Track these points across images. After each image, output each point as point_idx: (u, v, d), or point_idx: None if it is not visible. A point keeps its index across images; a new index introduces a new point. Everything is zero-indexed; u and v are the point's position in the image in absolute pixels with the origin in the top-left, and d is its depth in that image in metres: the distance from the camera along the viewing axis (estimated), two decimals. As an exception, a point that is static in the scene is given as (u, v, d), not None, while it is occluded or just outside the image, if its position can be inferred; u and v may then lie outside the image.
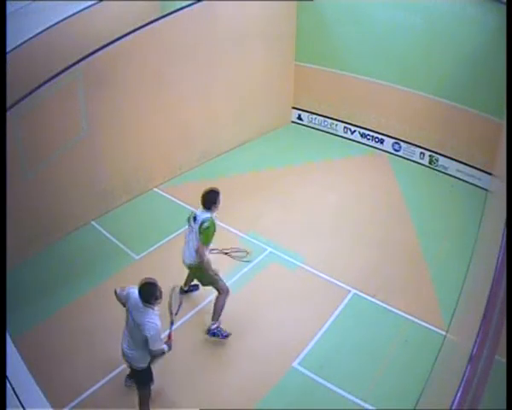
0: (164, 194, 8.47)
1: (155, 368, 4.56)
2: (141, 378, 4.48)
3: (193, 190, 8.57)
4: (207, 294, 5.94)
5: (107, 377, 5.02)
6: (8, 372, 2.55)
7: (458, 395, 2.30)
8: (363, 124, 10.21)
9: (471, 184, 8.76)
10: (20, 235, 6.34)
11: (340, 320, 5.81)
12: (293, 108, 11.18)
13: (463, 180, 8.89)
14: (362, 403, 4.81)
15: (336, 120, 10.57)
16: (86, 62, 6.72)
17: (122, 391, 4.91)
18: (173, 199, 8.27)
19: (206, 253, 5.19)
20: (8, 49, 5.51)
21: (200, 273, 5.39)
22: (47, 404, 2.77)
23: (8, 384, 2.50)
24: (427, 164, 9.44)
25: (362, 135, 10.29)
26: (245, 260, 5.82)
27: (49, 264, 6.70)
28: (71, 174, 7.13)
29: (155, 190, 8.56)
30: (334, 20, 9.80)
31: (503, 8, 6.74)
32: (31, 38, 6.25)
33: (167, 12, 7.77)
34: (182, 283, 5.84)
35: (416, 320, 5.81)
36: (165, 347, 4.32)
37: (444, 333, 5.55)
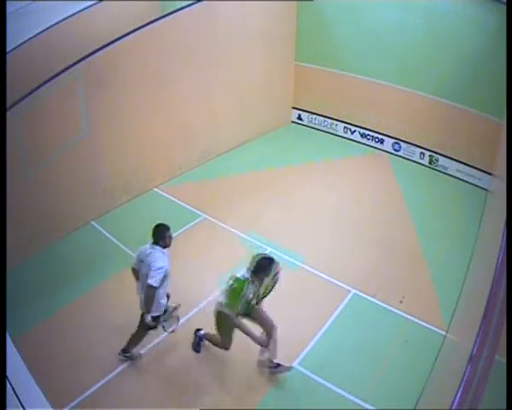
0: (164, 194, 8.47)
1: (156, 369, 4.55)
2: (145, 323, 4.74)
3: (193, 190, 8.64)
4: (207, 294, 5.96)
5: (107, 377, 5.01)
6: (8, 372, 2.54)
7: (458, 395, 2.30)
8: (363, 124, 10.21)
9: (471, 184, 8.76)
10: (20, 235, 6.34)
11: (340, 320, 5.81)
12: (293, 108, 11.19)
13: (463, 180, 8.89)
14: (362, 403, 4.80)
15: (336, 120, 10.57)
16: (86, 62, 6.73)
17: (122, 391, 4.91)
18: (173, 199, 8.28)
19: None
20: (8, 49, 5.51)
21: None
22: (47, 404, 2.76)
23: (8, 384, 2.50)
24: (427, 164, 9.45)
25: (362, 135, 10.30)
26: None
27: (49, 264, 6.70)
28: (71, 174, 7.13)
29: (155, 190, 8.56)
30: (334, 20, 9.81)
31: (503, 8, 6.74)
32: (31, 38, 6.26)
33: (167, 12, 7.78)
34: (181, 283, 5.84)
35: (415, 320, 5.80)
36: (155, 284, 4.45)
37: (444, 333, 5.55)
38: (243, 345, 5.29)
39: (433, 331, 5.63)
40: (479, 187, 8.57)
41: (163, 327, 4.90)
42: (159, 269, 4.50)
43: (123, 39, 7.07)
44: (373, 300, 6.13)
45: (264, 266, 4.58)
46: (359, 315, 5.93)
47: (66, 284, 6.30)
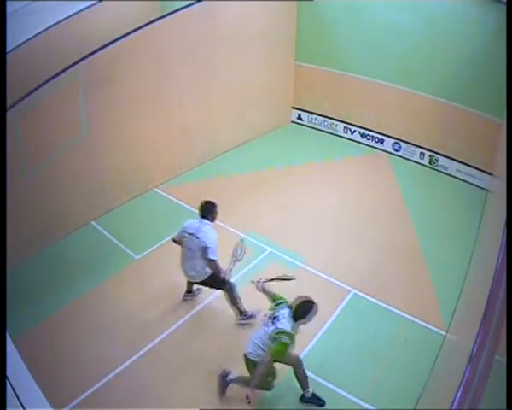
0: (164, 194, 8.47)
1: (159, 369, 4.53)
2: (214, 285, 5.48)
3: (193, 190, 8.63)
4: (207, 294, 5.96)
5: (107, 377, 5.02)
6: (8, 372, 2.54)
7: (458, 395, 2.30)
8: (363, 124, 10.21)
9: (471, 184, 8.76)
10: (20, 235, 6.34)
11: (340, 320, 5.81)
12: (293, 108, 11.19)
13: (463, 180, 8.89)
14: (362, 403, 4.81)
15: (336, 120, 10.57)
16: (86, 62, 6.72)
17: (122, 391, 4.91)
18: (173, 199, 8.28)
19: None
20: (8, 49, 5.52)
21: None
22: (47, 404, 2.76)
23: (8, 384, 2.49)
24: (427, 164, 9.45)
25: (362, 135, 10.30)
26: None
27: (49, 264, 6.70)
28: (71, 174, 7.13)
29: (155, 190, 8.56)
30: (334, 20, 9.80)
31: (504, 8, 6.74)
32: (30, 38, 6.25)
33: (167, 12, 7.77)
34: (181, 282, 5.85)
35: (416, 320, 5.80)
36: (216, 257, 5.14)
37: (444, 333, 5.55)
38: (243, 345, 5.28)
39: (433, 331, 5.63)
40: (479, 187, 8.56)
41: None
42: (214, 243, 5.22)
43: (123, 39, 7.06)
44: (373, 300, 6.12)
45: (306, 311, 4.44)
46: (359, 315, 5.93)
47: (66, 284, 6.30)
